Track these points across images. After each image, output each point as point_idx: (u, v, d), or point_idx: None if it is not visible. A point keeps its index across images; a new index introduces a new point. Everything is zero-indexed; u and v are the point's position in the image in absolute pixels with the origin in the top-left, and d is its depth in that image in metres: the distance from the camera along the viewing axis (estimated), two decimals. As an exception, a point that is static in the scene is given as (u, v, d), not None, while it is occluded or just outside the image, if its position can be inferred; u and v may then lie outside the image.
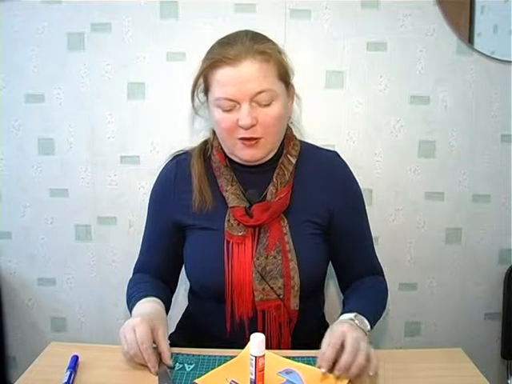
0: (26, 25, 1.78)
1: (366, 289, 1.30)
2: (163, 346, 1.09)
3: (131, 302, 1.23)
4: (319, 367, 1.01)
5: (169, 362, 1.07)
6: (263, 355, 1.00)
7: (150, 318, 1.10)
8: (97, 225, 1.90)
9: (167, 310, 1.27)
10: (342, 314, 1.17)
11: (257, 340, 0.99)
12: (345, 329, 1.05)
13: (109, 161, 1.85)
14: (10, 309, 1.98)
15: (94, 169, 1.86)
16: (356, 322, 1.10)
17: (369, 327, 1.14)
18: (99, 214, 1.89)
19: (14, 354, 2.00)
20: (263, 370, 1.01)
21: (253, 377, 1.00)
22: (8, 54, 1.80)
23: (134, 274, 1.39)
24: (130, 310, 1.22)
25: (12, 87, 1.82)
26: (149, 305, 1.18)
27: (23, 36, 1.79)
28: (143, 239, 1.39)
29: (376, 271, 1.38)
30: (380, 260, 1.41)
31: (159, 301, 1.22)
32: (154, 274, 1.35)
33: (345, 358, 0.99)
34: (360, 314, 1.14)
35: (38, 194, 1.89)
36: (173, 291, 1.40)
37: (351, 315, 1.13)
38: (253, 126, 1.18)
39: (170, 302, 1.35)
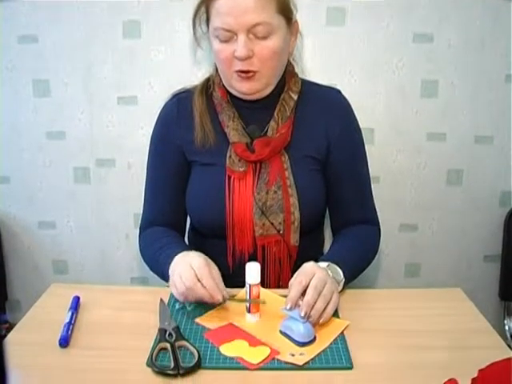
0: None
1: (353, 240, 1.29)
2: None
3: (161, 262, 1.17)
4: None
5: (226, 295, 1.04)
6: (258, 283, 1.03)
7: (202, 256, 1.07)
8: (95, 167, 1.89)
9: None
10: (318, 261, 1.16)
11: (252, 269, 1.02)
12: (314, 269, 1.04)
13: (106, 102, 1.83)
14: (12, 253, 1.99)
15: (90, 110, 1.84)
16: (328, 271, 1.09)
17: (341, 277, 1.12)
18: (97, 156, 1.88)
19: (18, 297, 2.03)
20: (258, 298, 1.04)
21: (248, 304, 1.03)
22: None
23: (143, 229, 1.36)
24: (162, 270, 1.16)
25: (3, 28, 1.77)
26: (192, 254, 1.11)
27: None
28: (146, 189, 1.36)
29: (370, 220, 1.36)
30: (380, 201, 1.40)
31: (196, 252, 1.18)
32: (164, 224, 1.32)
33: (306, 299, 0.99)
34: (336, 264, 1.13)
35: (34, 137, 1.87)
36: (183, 236, 1.40)
37: (324, 264, 1.11)
38: (249, 58, 1.16)
39: None
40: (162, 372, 0.88)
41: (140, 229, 1.37)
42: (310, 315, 0.98)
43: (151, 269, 1.26)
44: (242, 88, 1.22)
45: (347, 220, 1.34)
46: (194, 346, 0.95)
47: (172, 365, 0.89)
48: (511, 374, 0.69)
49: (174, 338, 0.97)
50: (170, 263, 1.11)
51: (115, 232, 1.95)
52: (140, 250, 1.33)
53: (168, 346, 0.95)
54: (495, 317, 1.94)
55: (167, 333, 0.98)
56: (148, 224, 1.35)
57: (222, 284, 1.05)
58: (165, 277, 1.14)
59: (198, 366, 0.90)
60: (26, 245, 1.99)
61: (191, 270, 1.03)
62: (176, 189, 1.32)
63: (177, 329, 1.00)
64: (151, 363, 0.90)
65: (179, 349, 0.95)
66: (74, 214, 1.95)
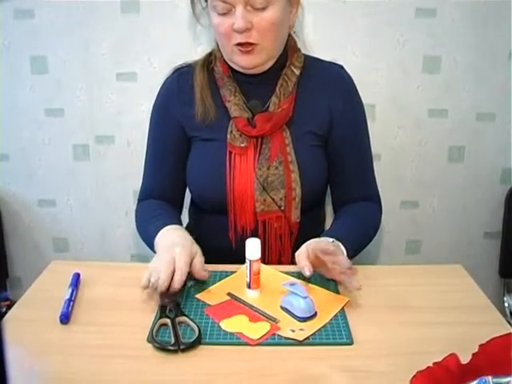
0: None
1: (354, 216, 1.29)
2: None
3: (150, 232, 1.19)
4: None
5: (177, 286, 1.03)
6: (258, 259, 1.03)
7: (187, 248, 1.07)
8: (94, 144, 1.88)
9: None
10: (321, 236, 1.16)
11: (252, 244, 1.03)
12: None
13: (104, 78, 1.81)
14: (12, 231, 1.99)
15: (89, 87, 1.82)
16: None
17: (344, 255, 1.12)
18: (97, 133, 1.87)
19: (19, 274, 2.04)
20: (258, 273, 1.04)
21: (248, 279, 1.04)
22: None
23: (140, 201, 1.37)
24: (150, 240, 1.19)
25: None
26: (176, 233, 1.14)
27: None
28: (146, 162, 1.37)
29: (372, 197, 1.36)
30: (381, 177, 1.39)
31: (182, 227, 1.20)
32: (161, 197, 1.33)
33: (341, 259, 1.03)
34: (340, 242, 1.13)
35: (33, 115, 1.86)
36: (180, 212, 1.39)
37: (328, 241, 1.12)
38: (248, 30, 1.15)
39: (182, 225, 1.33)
40: (162, 348, 0.88)
41: (137, 200, 1.38)
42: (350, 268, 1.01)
43: (143, 239, 1.27)
44: (242, 62, 1.20)
45: (349, 197, 1.33)
46: (195, 322, 0.95)
47: (172, 341, 0.90)
48: (511, 349, 0.69)
49: (174, 314, 0.97)
50: (156, 234, 1.15)
51: (115, 209, 1.94)
52: (135, 220, 1.33)
53: (168, 321, 0.95)
54: (495, 294, 1.95)
55: (167, 309, 0.98)
56: (145, 196, 1.36)
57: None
58: (152, 248, 1.17)
59: (198, 342, 0.90)
60: (26, 223, 1.99)
61: (171, 266, 1.02)
62: (175, 163, 1.32)
63: (177, 305, 1.00)
64: (152, 339, 0.90)
65: (179, 325, 0.95)
66: (74, 191, 1.94)
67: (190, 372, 0.85)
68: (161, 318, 0.96)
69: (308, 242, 1.09)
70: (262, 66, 1.22)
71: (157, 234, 1.16)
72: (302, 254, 1.05)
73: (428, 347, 0.89)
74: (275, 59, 1.24)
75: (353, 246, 1.16)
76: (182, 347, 0.88)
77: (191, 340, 0.90)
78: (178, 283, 1.00)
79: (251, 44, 1.17)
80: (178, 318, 0.96)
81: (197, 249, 1.10)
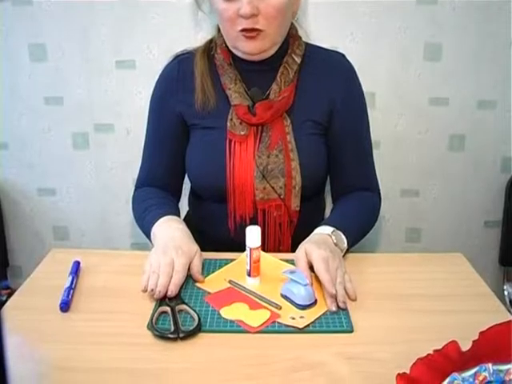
0: None
1: (354, 206, 1.28)
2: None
3: (146, 221, 1.20)
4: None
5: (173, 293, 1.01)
6: (258, 247, 1.03)
7: (186, 250, 1.06)
8: (94, 133, 1.87)
9: None
10: (321, 224, 1.16)
11: (252, 232, 1.03)
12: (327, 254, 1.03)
13: (103, 66, 1.80)
14: (12, 219, 1.99)
15: (88, 75, 1.81)
16: (333, 238, 1.10)
17: (345, 245, 1.13)
18: (96, 121, 1.86)
19: (19, 263, 2.04)
20: (258, 261, 1.04)
21: (248, 267, 1.04)
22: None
23: (137, 188, 1.37)
24: (146, 228, 1.19)
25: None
26: (174, 226, 1.14)
27: None
28: (145, 149, 1.36)
29: (371, 187, 1.35)
30: (381, 166, 1.38)
31: (179, 218, 1.20)
32: (158, 185, 1.33)
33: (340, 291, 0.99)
34: (339, 230, 1.13)
35: (32, 103, 1.85)
36: (178, 201, 1.39)
37: (329, 230, 1.12)
38: (254, 16, 1.13)
39: (180, 214, 1.32)
40: (162, 335, 0.89)
41: (135, 187, 1.38)
42: (343, 303, 0.98)
43: (139, 227, 1.27)
44: (247, 48, 1.19)
45: (348, 186, 1.33)
46: (194, 310, 0.95)
47: (172, 328, 0.90)
48: (511, 336, 0.69)
49: (174, 302, 0.97)
50: (153, 224, 1.15)
51: (115, 197, 1.94)
52: (132, 208, 1.34)
53: (168, 309, 0.95)
54: (495, 282, 1.95)
55: (167, 297, 0.98)
56: (142, 183, 1.36)
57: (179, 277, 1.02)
58: (149, 237, 1.17)
59: (198, 330, 0.90)
60: (27, 211, 1.99)
61: (169, 271, 1.01)
62: (173, 151, 1.32)
63: (177, 293, 1.00)
64: (151, 327, 0.90)
65: (179, 313, 0.95)
66: (74, 179, 1.94)
67: (191, 360, 0.85)
68: (161, 305, 0.96)
69: (308, 247, 1.06)
70: (265, 53, 1.21)
71: (153, 224, 1.16)
72: (302, 261, 1.04)
73: (428, 335, 0.90)
74: (278, 46, 1.23)
75: (353, 236, 1.16)
76: (181, 335, 0.88)
77: (191, 328, 0.90)
78: (175, 288, 0.99)
79: (256, 30, 1.15)
80: (178, 306, 0.96)
81: (196, 249, 1.09)
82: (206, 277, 1.08)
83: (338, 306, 0.97)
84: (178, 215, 1.24)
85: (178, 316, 0.93)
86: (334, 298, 0.97)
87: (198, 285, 1.05)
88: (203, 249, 1.19)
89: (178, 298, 0.98)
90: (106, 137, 1.87)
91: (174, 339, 0.88)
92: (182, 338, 0.88)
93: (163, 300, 0.98)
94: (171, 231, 1.12)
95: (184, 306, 0.96)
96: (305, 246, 1.06)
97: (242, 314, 0.95)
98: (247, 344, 0.89)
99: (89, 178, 1.93)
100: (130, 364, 0.84)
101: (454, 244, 1.96)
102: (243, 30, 1.15)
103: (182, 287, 1.02)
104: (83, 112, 1.85)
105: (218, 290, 1.03)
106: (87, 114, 1.85)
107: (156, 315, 0.93)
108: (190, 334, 0.89)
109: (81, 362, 0.84)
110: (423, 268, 1.15)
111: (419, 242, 1.98)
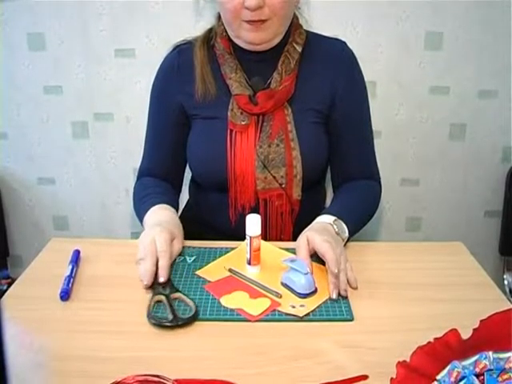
0: None
1: (355, 195, 1.28)
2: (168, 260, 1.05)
3: (141, 210, 1.21)
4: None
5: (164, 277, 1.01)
6: (259, 235, 1.03)
7: (168, 227, 1.07)
8: (93, 121, 1.87)
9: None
10: (323, 213, 1.16)
11: (252, 220, 1.02)
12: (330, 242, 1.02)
13: (103, 55, 1.79)
14: (12, 209, 1.99)
15: (87, 64, 1.80)
16: (334, 227, 1.09)
17: (347, 235, 1.12)
18: (95, 110, 1.85)
19: (19, 252, 2.04)
20: (258, 250, 1.04)
21: (248, 256, 1.04)
22: None
23: (138, 178, 1.37)
24: (141, 218, 1.20)
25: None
26: (163, 213, 1.16)
27: None
28: (146, 140, 1.36)
29: (372, 175, 1.35)
30: (382, 155, 1.38)
31: (171, 207, 1.20)
32: (159, 175, 1.33)
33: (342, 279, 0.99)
34: (341, 219, 1.12)
35: (31, 92, 1.84)
36: (179, 192, 1.39)
37: (331, 219, 1.11)
38: (260, 7, 1.11)
39: (178, 204, 1.33)
40: (159, 324, 0.89)
41: (136, 178, 1.37)
42: (344, 291, 0.98)
43: (137, 217, 1.27)
44: (250, 37, 1.17)
45: (349, 175, 1.32)
46: (190, 298, 0.95)
47: (170, 317, 0.90)
48: (511, 324, 0.69)
49: (168, 290, 0.97)
50: (146, 212, 1.16)
51: (115, 187, 1.94)
52: (132, 198, 1.33)
53: (163, 298, 0.95)
54: (494, 272, 1.95)
55: (160, 286, 0.98)
56: (143, 174, 1.35)
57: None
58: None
59: (196, 317, 0.90)
60: (26, 201, 1.99)
61: (154, 245, 1.01)
62: (174, 142, 1.31)
63: (169, 281, 0.99)
64: (149, 316, 0.90)
65: (174, 301, 0.95)
66: (74, 169, 1.93)
67: (191, 348, 0.85)
68: (155, 295, 0.96)
69: (310, 234, 1.05)
70: (269, 43, 1.20)
71: (146, 212, 1.17)
72: (303, 249, 1.04)
73: (428, 323, 0.89)
74: (282, 36, 1.22)
75: (354, 225, 1.16)
76: (179, 323, 0.88)
77: (188, 316, 0.90)
78: (165, 272, 0.99)
79: (261, 20, 1.14)
80: (173, 295, 0.96)
81: (177, 233, 1.09)
82: (205, 265, 1.08)
83: (339, 294, 0.97)
84: (174, 205, 1.24)
85: (173, 304, 0.93)
86: (337, 282, 0.97)
87: (197, 273, 1.05)
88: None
89: (171, 286, 0.98)
90: (106, 126, 1.87)
91: (173, 327, 0.88)
92: (181, 326, 0.88)
93: (157, 288, 0.97)
94: (157, 217, 1.13)
95: (178, 294, 0.96)
96: (307, 233, 1.05)
97: (242, 302, 0.95)
98: (247, 332, 0.89)
99: (88, 167, 1.93)
100: (129, 352, 0.84)
101: (454, 233, 1.96)
102: (248, 20, 1.14)
103: (175, 273, 1.02)
104: (83, 101, 1.84)
105: (217, 278, 1.03)
106: (87, 103, 1.84)
107: (152, 304, 0.93)
108: (188, 322, 0.89)
109: (81, 351, 0.84)
110: (423, 257, 1.15)
111: (419, 231, 1.99)
